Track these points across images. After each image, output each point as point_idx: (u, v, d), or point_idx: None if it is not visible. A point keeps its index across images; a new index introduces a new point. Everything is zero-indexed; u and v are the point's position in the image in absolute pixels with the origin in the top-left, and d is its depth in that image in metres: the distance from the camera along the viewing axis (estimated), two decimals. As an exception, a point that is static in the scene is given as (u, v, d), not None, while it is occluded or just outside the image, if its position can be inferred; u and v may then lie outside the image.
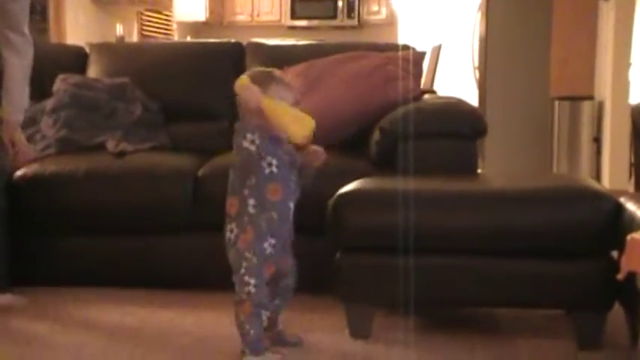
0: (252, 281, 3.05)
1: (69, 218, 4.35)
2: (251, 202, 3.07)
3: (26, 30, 4.16)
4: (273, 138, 3.04)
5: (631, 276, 2.36)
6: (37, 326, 3.76)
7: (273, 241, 3.08)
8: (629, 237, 2.37)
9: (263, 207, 3.04)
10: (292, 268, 3.26)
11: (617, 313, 3.39)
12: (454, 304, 3.76)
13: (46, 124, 4.85)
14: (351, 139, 4.30)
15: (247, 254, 3.07)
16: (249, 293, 3.05)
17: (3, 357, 3.42)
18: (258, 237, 3.06)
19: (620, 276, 2.36)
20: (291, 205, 3.16)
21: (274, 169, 3.03)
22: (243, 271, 3.07)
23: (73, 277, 4.33)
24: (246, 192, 3.07)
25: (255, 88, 2.96)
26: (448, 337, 3.59)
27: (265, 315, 3.14)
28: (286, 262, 3.23)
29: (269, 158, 3.02)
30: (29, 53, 4.13)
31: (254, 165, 3.05)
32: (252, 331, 3.05)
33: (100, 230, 4.36)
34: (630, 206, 3.23)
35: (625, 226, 3.05)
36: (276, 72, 3.23)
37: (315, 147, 3.15)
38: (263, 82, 3.04)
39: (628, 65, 6.94)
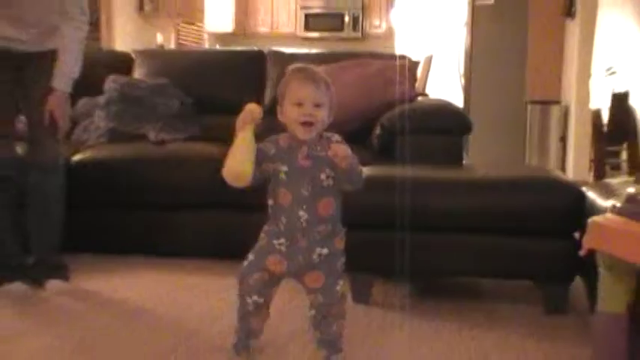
0: (250, 257, 2.67)
1: (115, 195, 4.40)
2: (270, 202, 2.66)
3: (85, 5, 3.88)
4: (285, 145, 2.61)
5: (591, 253, 2.35)
6: (89, 285, 3.77)
7: (283, 240, 2.61)
8: (589, 220, 2.37)
9: (275, 209, 2.63)
10: (324, 287, 2.61)
11: (578, 284, 3.44)
12: (442, 274, 3.79)
13: (99, 117, 4.91)
14: (355, 133, 4.27)
15: (261, 240, 2.67)
16: (242, 265, 2.66)
17: (68, 310, 3.45)
18: (272, 233, 2.63)
19: (582, 253, 2.36)
20: (302, 213, 2.56)
21: (283, 176, 2.58)
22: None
23: (117, 245, 4.36)
24: (269, 190, 2.67)
25: (245, 116, 2.52)
26: (437, 302, 3.60)
27: (257, 303, 2.64)
28: (314, 277, 2.61)
29: (278, 164, 2.59)
30: (85, 28, 3.88)
31: (271, 167, 2.62)
32: (237, 319, 2.71)
33: (141, 206, 4.38)
34: (591, 194, 3.29)
35: (586, 210, 3.09)
36: (305, 69, 2.65)
37: (331, 150, 2.46)
38: (287, 78, 2.61)
39: (589, 75, 6.94)
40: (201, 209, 4.28)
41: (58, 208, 3.77)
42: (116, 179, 4.40)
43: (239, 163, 2.47)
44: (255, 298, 2.64)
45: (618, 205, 2.33)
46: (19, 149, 3.84)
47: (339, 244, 2.66)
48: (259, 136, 2.56)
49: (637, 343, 2.32)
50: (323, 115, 2.54)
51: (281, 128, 2.66)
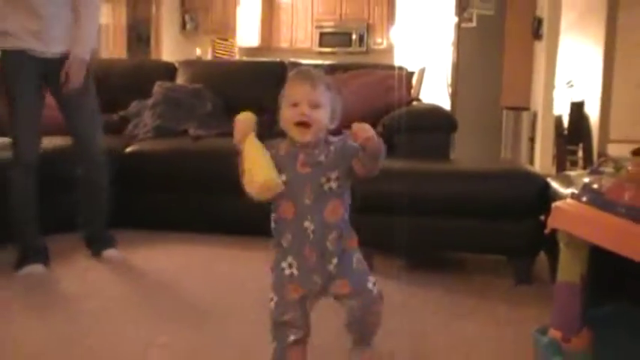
0: (273, 297, 2.07)
1: (160, 181, 4.41)
2: (272, 216, 2.11)
3: None
4: (284, 153, 2.06)
5: (553, 232, 2.35)
6: (137, 254, 3.78)
7: (290, 260, 2.05)
8: (553, 205, 2.36)
9: (278, 224, 2.08)
10: (352, 290, 2.05)
11: (542, 259, 3.46)
12: (431, 249, 3.78)
13: (147, 116, 4.91)
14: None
15: (272, 272, 2.10)
16: (270, 308, 2.08)
17: (118, 276, 3.47)
18: (279, 255, 2.08)
19: (546, 232, 2.35)
20: (307, 224, 2.01)
21: (282, 186, 1.99)
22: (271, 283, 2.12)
23: (162, 223, 4.37)
24: (272, 206, 2.11)
25: (241, 126, 2.04)
26: (426, 272, 3.62)
27: (297, 335, 2.06)
28: (338, 285, 2.06)
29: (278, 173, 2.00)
30: (99, 5, 3.69)
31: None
32: (274, 345, 2.08)
33: (181, 189, 4.39)
34: (553, 184, 3.30)
35: (550, 196, 3.09)
36: (302, 70, 2.13)
37: (353, 129, 1.95)
38: (287, 82, 2.08)
39: (553, 87, 6.95)
40: (230, 192, 4.21)
41: (104, 193, 3.72)
42: (161, 167, 4.42)
43: (265, 174, 1.92)
44: (295, 332, 2.04)
45: (576, 192, 2.35)
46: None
47: (351, 243, 2.09)
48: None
49: (587, 306, 2.33)
50: (321, 116, 2.00)
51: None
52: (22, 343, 2.54)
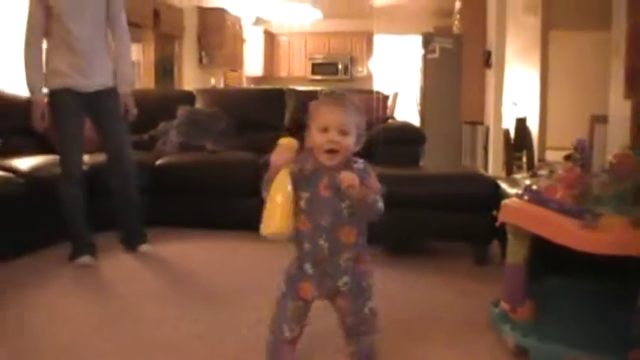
0: (284, 289, 1.86)
1: (185, 187, 4.37)
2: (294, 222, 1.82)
3: (125, 23, 3.55)
4: (311, 170, 1.81)
5: (503, 224, 2.38)
6: (167, 247, 3.78)
7: (308, 265, 1.82)
8: (502, 202, 2.40)
9: (298, 233, 1.82)
10: (351, 310, 1.84)
11: (496, 245, 3.47)
12: (405, 238, 3.76)
13: (172, 134, 4.88)
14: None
15: (289, 268, 1.88)
16: (277, 299, 1.87)
17: (152, 265, 3.46)
18: (300, 255, 1.85)
19: (497, 224, 2.39)
20: (322, 242, 1.79)
21: (302, 204, 1.79)
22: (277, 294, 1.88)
23: (186, 222, 4.33)
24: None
25: (282, 153, 1.76)
26: (402, 257, 3.62)
27: (293, 333, 1.85)
28: (342, 302, 1.84)
29: (300, 190, 1.79)
30: (129, 41, 3.60)
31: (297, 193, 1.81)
32: (270, 339, 1.88)
33: (203, 194, 4.34)
34: (503, 185, 3.34)
35: (500, 195, 3.09)
36: (334, 94, 1.86)
37: (342, 174, 1.71)
38: (317, 102, 1.83)
39: (501, 105, 6.98)
40: (243, 196, 4.13)
41: (136, 199, 3.66)
42: (185, 176, 4.39)
43: (275, 227, 1.72)
44: (292, 326, 1.84)
45: (519, 192, 2.38)
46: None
47: (364, 265, 1.86)
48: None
49: (529, 282, 2.36)
50: (349, 143, 1.76)
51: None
52: (77, 315, 2.57)
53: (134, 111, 3.57)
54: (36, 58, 3.34)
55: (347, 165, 1.79)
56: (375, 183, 1.79)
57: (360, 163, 1.82)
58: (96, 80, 3.42)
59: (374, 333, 1.90)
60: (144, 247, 3.69)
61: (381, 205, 1.79)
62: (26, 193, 3.53)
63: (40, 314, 2.61)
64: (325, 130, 1.75)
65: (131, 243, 3.71)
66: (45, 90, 3.39)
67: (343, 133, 1.75)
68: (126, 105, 3.53)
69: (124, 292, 2.97)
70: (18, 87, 4.62)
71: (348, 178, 1.69)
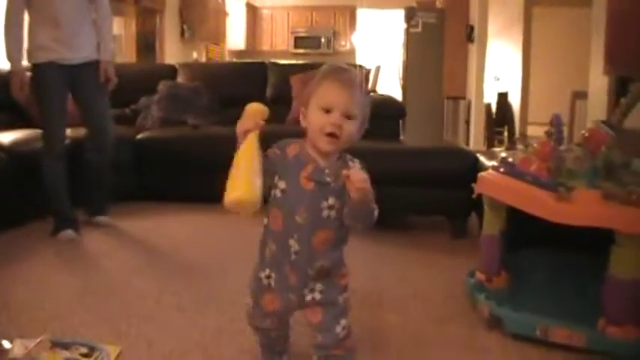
0: (250, 301, 1.68)
1: (166, 162, 4.36)
2: (264, 220, 1.62)
3: None
4: (292, 157, 1.56)
5: (479, 196, 2.42)
6: (148, 221, 3.81)
7: (269, 272, 1.61)
8: (479, 174, 2.43)
9: (266, 231, 1.61)
10: (322, 324, 1.57)
11: (474, 219, 3.49)
12: (386, 213, 3.79)
13: (154, 109, 4.87)
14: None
15: (252, 277, 1.67)
16: (246, 311, 1.71)
17: (137, 238, 3.49)
18: (259, 262, 1.64)
19: (474, 196, 2.43)
20: (292, 242, 1.54)
21: (278, 193, 1.55)
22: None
23: (168, 195, 4.33)
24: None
25: (248, 118, 1.50)
26: (381, 232, 3.58)
27: (277, 334, 1.76)
28: (312, 312, 1.59)
29: (276, 178, 1.55)
30: (112, 18, 3.65)
31: (271, 179, 1.57)
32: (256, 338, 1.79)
33: (183, 168, 4.33)
34: (481, 158, 3.38)
35: (478, 168, 3.12)
36: (343, 71, 1.56)
37: (349, 171, 1.44)
38: (320, 77, 1.55)
39: (482, 81, 7.02)
40: (225, 170, 4.20)
41: (108, 173, 3.67)
42: (166, 151, 4.37)
43: (241, 192, 1.41)
44: (273, 334, 1.74)
45: (496, 165, 2.43)
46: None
47: (342, 279, 1.61)
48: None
49: (504, 253, 2.42)
50: (352, 129, 1.52)
51: (285, 132, 1.72)
52: (60, 288, 2.59)
53: (114, 80, 3.56)
54: (16, 30, 3.33)
55: (340, 160, 1.56)
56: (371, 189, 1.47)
57: (352, 160, 1.58)
58: (80, 53, 3.42)
59: (349, 357, 1.60)
60: (102, 219, 3.70)
61: (376, 214, 1.54)
62: (8, 168, 3.53)
63: (24, 288, 2.63)
64: (328, 110, 1.49)
65: (91, 213, 3.71)
66: (25, 62, 3.38)
67: (348, 116, 1.50)
68: (106, 73, 3.52)
69: (106, 265, 2.99)
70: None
71: (360, 177, 1.40)
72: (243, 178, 1.43)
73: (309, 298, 1.58)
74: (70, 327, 2.20)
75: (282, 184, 1.55)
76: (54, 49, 3.34)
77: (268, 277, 1.61)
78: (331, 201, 1.53)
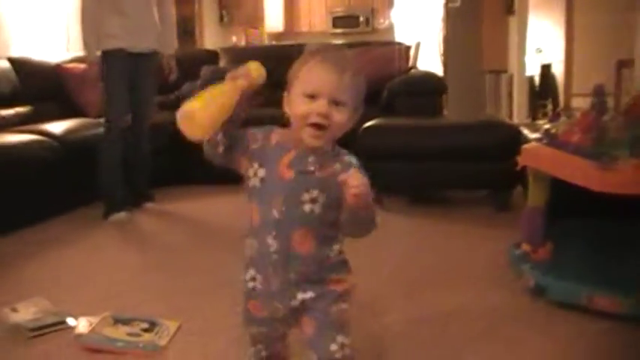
0: (241, 302, 1.42)
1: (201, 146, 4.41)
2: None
3: None
4: (274, 143, 1.34)
5: (524, 168, 2.44)
6: (194, 204, 3.91)
7: (254, 273, 1.36)
8: (522, 147, 2.45)
9: (250, 226, 1.35)
10: (315, 339, 1.30)
11: (520, 190, 3.45)
12: (428, 189, 3.86)
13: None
14: (368, 97, 4.38)
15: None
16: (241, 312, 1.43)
17: (179, 219, 3.58)
18: (245, 262, 1.39)
19: (518, 168, 2.45)
20: (270, 241, 1.29)
21: (257, 183, 1.32)
22: None
23: (207, 179, 4.08)
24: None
25: (237, 74, 1.34)
26: (425, 207, 3.72)
27: (267, 352, 1.48)
28: (304, 322, 1.32)
29: (255, 165, 1.33)
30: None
31: (247, 166, 1.35)
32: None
33: None
34: (525, 131, 3.45)
35: (521, 141, 3.12)
36: (328, 50, 1.37)
37: (345, 175, 1.18)
38: (304, 58, 1.35)
39: (524, 53, 6.96)
40: None
41: (148, 160, 3.83)
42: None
43: (199, 108, 1.24)
44: (264, 349, 1.47)
45: (539, 136, 2.44)
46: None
47: (337, 285, 1.32)
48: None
49: (549, 224, 2.44)
50: (342, 118, 1.26)
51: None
52: (117, 268, 2.72)
53: (176, 72, 3.82)
54: (91, 20, 3.51)
55: (333, 154, 1.31)
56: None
57: (347, 155, 1.33)
58: (144, 43, 3.62)
59: None
60: (149, 205, 3.84)
61: (378, 220, 1.28)
62: (60, 156, 3.67)
63: (82, 269, 2.77)
64: (312, 96, 1.26)
65: (137, 200, 3.83)
66: (98, 52, 3.55)
67: (337, 103, 1.25)
68: (169, 66, 3.78)
69: (158, 245, 3.11)
70: (45, 54, 4.74)
71: (357, 181, 1.15)
72: (207, 101, 1.26)
73: (295, 304, 1.32)
74: (130, 304, 2.31)
75: (261, 173, 1.32)
76: (122, 37, 3.52)
77: (253, 279, 1.37)
78: (314, 193, 1.27)
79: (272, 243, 1.29)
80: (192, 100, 1.25)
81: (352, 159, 1.31)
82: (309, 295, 1.31)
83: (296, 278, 1.31)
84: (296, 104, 1.29)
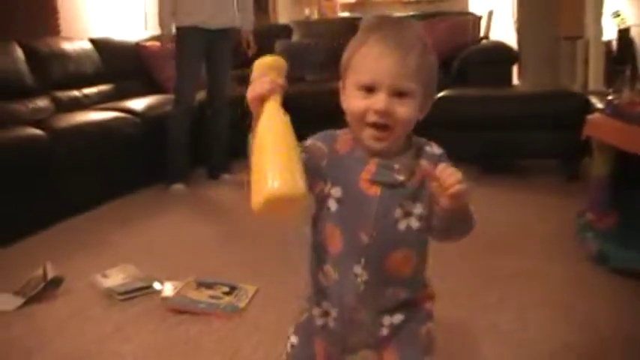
0: (292, 337, 1.19)
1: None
2: (311, 239, 1.14)
3: None
4: (344, 153, 1.09)
5: (588, 138, 2.48)
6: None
7: (327, 307, 1.14)
8: (588, 117, 2.48)
9: (318, 250, 1.12)
10: None
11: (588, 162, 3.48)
12: (499, 157, 3.88)
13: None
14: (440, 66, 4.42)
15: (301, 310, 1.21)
16: (287, 350, 1.19)
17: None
18: (311, 294, 1.18)
19: (582, 137, 2.49)
20: (358, 270, 1.06)
21: (332, 205, 1.07)
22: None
23: None
24: (311, 221, 1.14)
25: (264, 80, 1.03)
26: (496, 175, 3.75)
27: None
28: (387, 355, 1.13)
29: (328, 184, 1.07)
30: None
31: (318, 187, 1.08)
32: None
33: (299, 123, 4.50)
34: (593, 100, 3.42)
35: (589, 110, 3.13)
36: (387, 24, 1.06)
37: (436, 171, 0.97)
38: (359, 38, 1.06)
39: (601, 17, 6.78)
40: (342, 123, 4.30)
41: (226, 133, 3.95)
42: (284, 107, 4.50)
43: (281, 184, 0.89)
44: None
45: (602, 107, 2.47)
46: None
47: (426, 303, 1.16)
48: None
49: (613, 193, 2.47)
50: (407, 113, 1.01)
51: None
52: (199, 236, 2.91)
53: (254, 48, 3.95)
54: (169, 0, 3.67)
55: (412, 148, 1.08)
56: None
57: (428, 144, 1.11)
58: (220, 19, 3.74)
59: None
60: (226, 177, 3.98)
61: (475, 219, 1.10)
62: (142, 132, 3.86)
63: (166, 237, 2.98)
64: (369, 89, 1.02)
65: (214, 172, 4.00)
66: (174, 29, 3.72)
67: (400, 94, 1.01)
68: (248, 41, 3.94)
69: (236, 215, 3.23)
70: (124, 33, 4.97)
71: (452, 177, 0.98)
72: (277, 165, 0.92)
73: (384, 330, 1.13)
74: (212, 269, 2.48)
75: (336, 192, 1.07)
76: (197, 14, 3.65)
77: (325, 314, 1.15)
78: (408, 207, 1.06)
79: (361, 273, 1.06)
80: (261, 181, 0.92)
81: (434, 148, 1.11)
82: (398, 318, 1.12)
83: (387, 306, 1.11)
84: (351, 99, 1.05)
